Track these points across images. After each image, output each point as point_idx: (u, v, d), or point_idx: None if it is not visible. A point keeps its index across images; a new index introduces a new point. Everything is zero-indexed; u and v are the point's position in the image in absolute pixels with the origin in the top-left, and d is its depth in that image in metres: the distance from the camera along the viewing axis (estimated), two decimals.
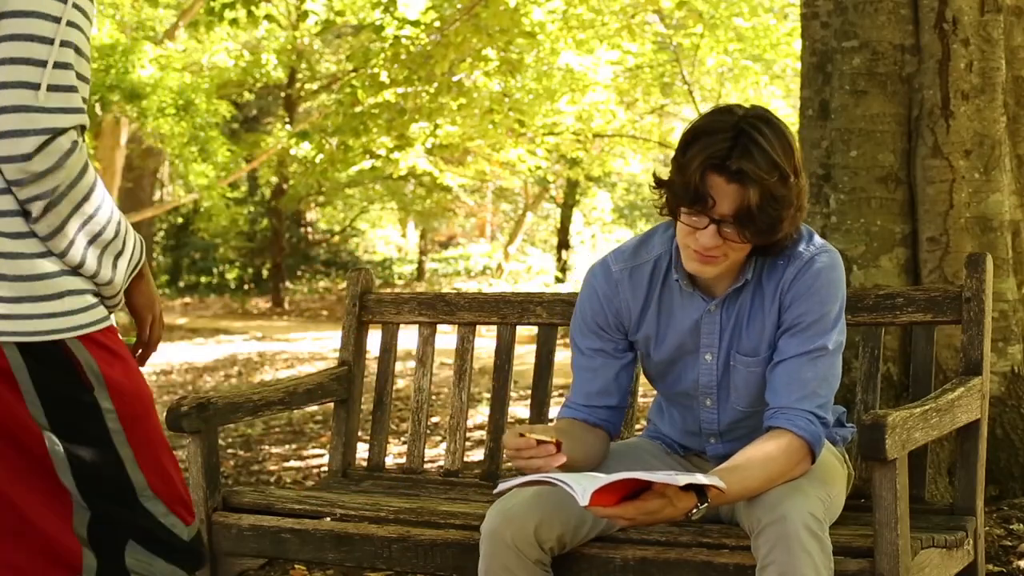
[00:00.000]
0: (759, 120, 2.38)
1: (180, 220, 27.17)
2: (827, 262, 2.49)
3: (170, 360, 15.27)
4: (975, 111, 3.96)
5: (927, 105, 4.00)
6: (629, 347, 2.66)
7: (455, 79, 11.19)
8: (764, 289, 2.51)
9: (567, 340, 2.76)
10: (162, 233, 28.38)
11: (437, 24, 10.59)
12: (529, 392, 3.37)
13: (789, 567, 2.26)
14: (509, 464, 2.75)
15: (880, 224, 4.01)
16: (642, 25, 14.74)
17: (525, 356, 3.38)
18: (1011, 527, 3.71)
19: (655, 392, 2.82)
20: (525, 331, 3.90)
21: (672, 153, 2.48)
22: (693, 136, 2.39)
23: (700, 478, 2.22)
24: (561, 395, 7.40)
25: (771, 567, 2.28)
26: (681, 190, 2.38)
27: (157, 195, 25.94)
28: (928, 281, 3.96)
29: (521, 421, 7.02)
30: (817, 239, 2.54)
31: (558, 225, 25.98)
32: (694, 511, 2.25)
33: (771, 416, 2.45)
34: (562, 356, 3.58)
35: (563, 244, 24.90)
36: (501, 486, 2.31)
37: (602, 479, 2.17)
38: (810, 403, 2.43)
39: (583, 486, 2.15)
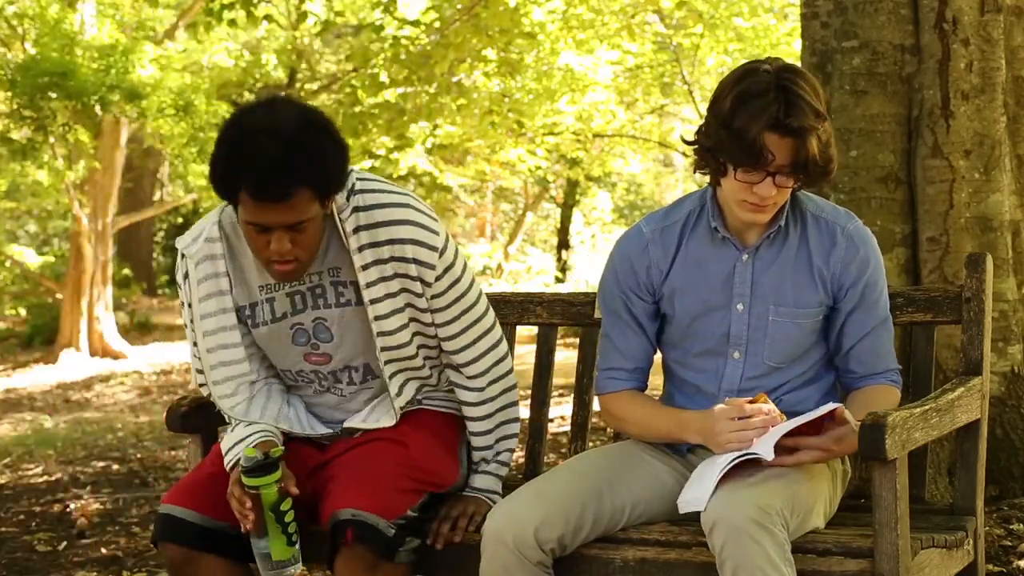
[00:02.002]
0: (790, 72, 2.51)
1: (180, 220, 27.12)
2: (869, 232, 2.69)
3: (170, 360, 15.26)
4: (975, 111, 3.96)
5: (927, 105, 4.00)
6: (656, 313, 2.74)
7: (455, 79, 11.19)
8: (811, 250, 2.64)
9: (567, 340, 2.78)
10: (162, 233, 28.35)
11: (437, 24, 10.58)
12: (529, 392, 3.37)
13: (742, 560, 2.30)
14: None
15: (880, 224, 4.01)
16: (642, 25, 14.72)
17: (525, 356, 3.38)
18: (1011, 527, 3.71)
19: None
20: (525, 331, 3.89)
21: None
22: (738, 100, 2.47)
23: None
24: (562, 395, 7.39)
25: (727, 563, 2.32)
26: (741, 153, 2.48)
27: (157, 195, 25.92)
28: (928, 281, 3.96)
29: (520, 421, 6.99)
30: (844, 209, 2.71)
31: (558, 225, 25.96)
32: None
33: (869, 378, 2.70)
34: (562, 356, 3.57)
35: (563, 244, 24.87)
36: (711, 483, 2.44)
37: (774, 433, 2.43)
38: (893, 361, 2.73)
39: (761, 448, 2.42)
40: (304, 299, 2.70)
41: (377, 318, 2.66)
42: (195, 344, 2.76)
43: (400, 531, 2.62)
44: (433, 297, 2.70)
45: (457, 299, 2.75)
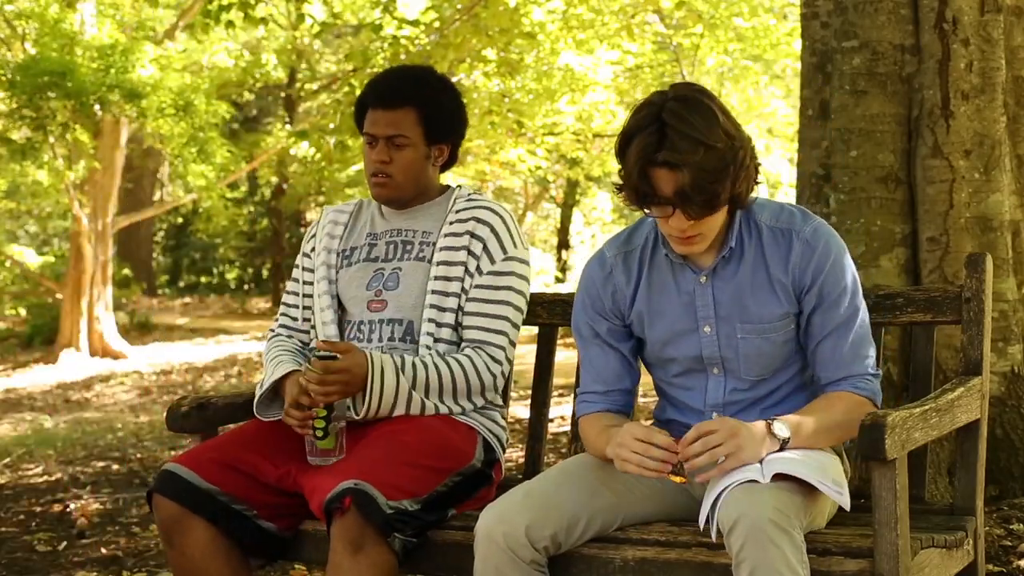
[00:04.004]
0: (678, 103, 2.47)
1: (180, 220, 27.15)
2: (829, 232, 2.62)
3: (170, 360, 15.27)
4: (975, 111, 3.96)
5: (927, 105, 4.00)
6: (630, 334, 2.74)
7: (455, 79, 11.17)
8: (768, 262, 2.60)
9: (567, 340, 2.79)
10: (162, 233, 28.36)
11: (437, 24, 10.59)
12: (529, 392, 3.37)
13: (761, 562, 2.29)
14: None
15: (880, 224, 4.01)
16: (642, 25, 14.74)
17: (525, 356, 3.38)
18: (1011, 527, 3.71)
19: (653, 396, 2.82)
20: (525, 331, 3.89)
21: None
22: (625, 140, 2.50)
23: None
24: (562, 395, 7.39)
25: (744, 564, 2.31)
26: (632, 193, 2.51)
27: (157, 195, 25.93)
28: (928, 281, 3.96)
29: (520, 421, 7.01)
30: (800, 212, 2.65)
31: (558, 225, 25.99)
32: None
33: (831, 386, 2.59)
34: (562, 356, 3.57)
35: (563, 244, 24.90)
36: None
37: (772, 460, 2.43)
38: (860, 366, 2.58)
39: (758, 475, 2.39)
40: (396, 249, 3.08)
41: (437, 278, 2.99)
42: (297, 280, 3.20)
43: (400, 516, 2.63)
44: (477, 287, 2.98)
45: (496, 300, 2.98)
